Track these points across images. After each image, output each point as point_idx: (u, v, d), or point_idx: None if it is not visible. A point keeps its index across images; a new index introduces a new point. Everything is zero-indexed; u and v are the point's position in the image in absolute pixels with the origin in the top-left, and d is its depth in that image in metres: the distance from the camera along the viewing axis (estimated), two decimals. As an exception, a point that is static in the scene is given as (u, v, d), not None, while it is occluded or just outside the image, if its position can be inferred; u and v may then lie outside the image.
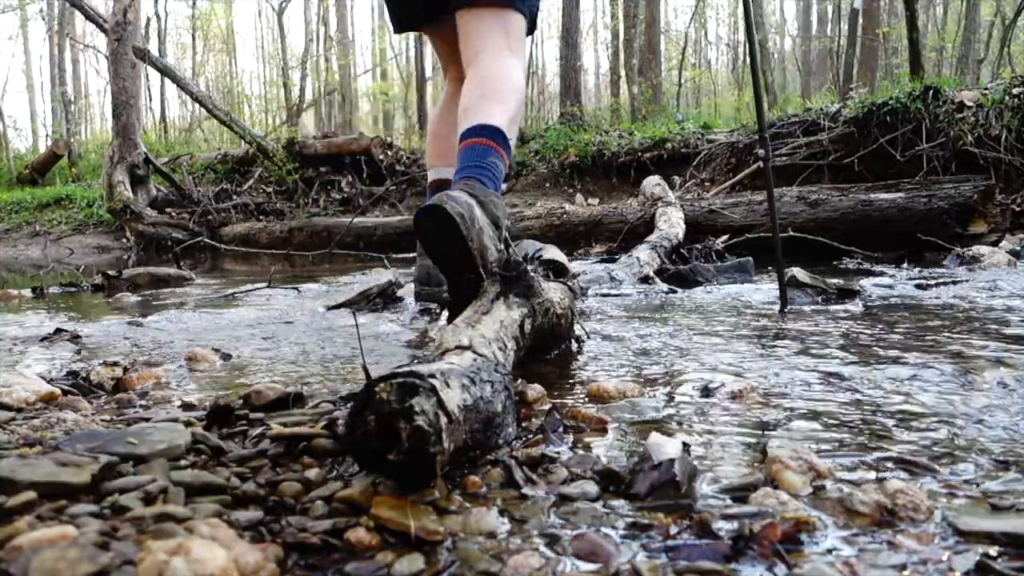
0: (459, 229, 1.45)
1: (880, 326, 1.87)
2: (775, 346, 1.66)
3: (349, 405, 1.17)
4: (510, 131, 1.87)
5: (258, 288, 3.33)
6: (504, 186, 8.96)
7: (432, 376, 0.83)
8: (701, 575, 0.66)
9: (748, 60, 2.91)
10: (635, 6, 14.11)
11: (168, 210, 8.09)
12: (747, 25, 2.19)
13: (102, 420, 1.16)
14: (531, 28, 2.15)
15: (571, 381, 1.42)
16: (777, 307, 2.23)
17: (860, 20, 13.79)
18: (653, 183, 4.74)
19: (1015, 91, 5.32)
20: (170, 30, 24.68)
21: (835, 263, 3.63)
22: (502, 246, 1.67)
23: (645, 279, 2.85)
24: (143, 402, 1.32)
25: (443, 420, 0.78)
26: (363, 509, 0.77)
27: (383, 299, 2.64)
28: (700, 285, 2.87)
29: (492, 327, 1.27)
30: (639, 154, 7.55)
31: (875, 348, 1.60)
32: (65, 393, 1.35)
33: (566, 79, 12.78)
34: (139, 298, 3.32)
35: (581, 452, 0.98)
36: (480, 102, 1.89)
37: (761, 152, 2.21)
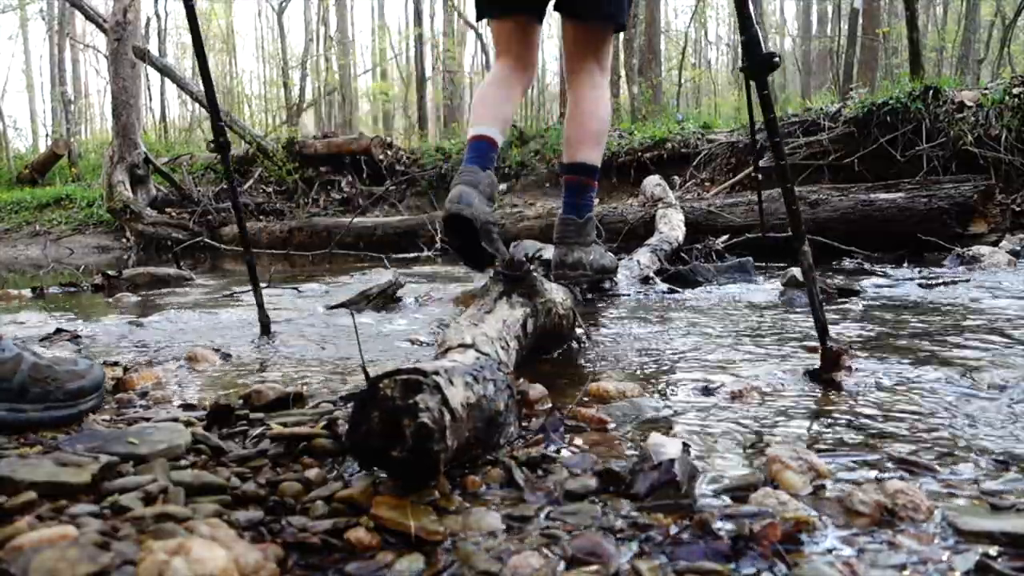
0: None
1: (880, 326, 1.87)
2: (775, 346, 1.67)
3: (350, 404, 1.17)
4: (600, 158, 2.50)
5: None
6: (504, 186, 8.82)
7: (436, 373, 0.82)
8: (701, 575, 0.66)
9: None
10: (635, 6, 14.10)
11: (168, 210, 8.07)
12: None
13: (102, 420, 1.17)
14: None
15: (572, 381, 1.42)
16: (778, 306, 2.23)
17: (860, 20, 13.78)
18: (653, 183, 4.74)
19: (1015, 91, 5.32)
20: (170, 30, 24.62)
21: (835, 263, 3.63)
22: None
23: (645, 280, 2.85)
24: (143, 402, 1.32)
25: (447, 417, 0.78)
26: (363, 509, 0.77)
27: (383, 299, 2.65)
28: (700, 285, 2.87)
29: (495, 326, 1.27)
30: (639, 154, 7.53)
31: (875, 348, 1.61)
32: (65, 393, 1.34)
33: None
34: (139, 298, 3.32)
35: (581, 452, 0.98)
36: (584, 142, 2.47)
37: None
